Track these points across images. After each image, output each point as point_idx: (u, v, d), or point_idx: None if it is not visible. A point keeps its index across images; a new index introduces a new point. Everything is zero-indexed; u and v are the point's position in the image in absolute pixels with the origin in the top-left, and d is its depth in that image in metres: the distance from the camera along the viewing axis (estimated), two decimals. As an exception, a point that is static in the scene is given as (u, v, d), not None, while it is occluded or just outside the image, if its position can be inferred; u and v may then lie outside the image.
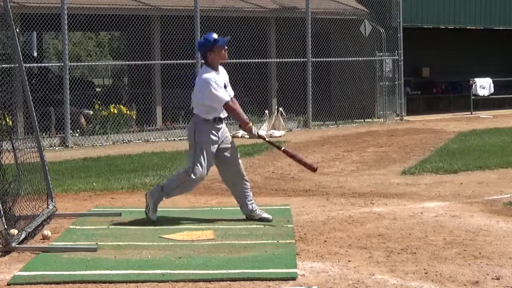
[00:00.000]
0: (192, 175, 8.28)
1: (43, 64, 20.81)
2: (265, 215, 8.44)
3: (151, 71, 19.24)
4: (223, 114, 8.36)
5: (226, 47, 8.34)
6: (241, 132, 18.39)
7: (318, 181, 11.46)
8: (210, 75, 8.23)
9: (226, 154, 8.40)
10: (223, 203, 9.55)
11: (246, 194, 8.48)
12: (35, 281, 6.13)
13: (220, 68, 8.42)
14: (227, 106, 8.25)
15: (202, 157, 8.26)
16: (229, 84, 8.46)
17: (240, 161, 8.55)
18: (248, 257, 6.81)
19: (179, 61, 18.24)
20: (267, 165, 13.26)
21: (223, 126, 8.39)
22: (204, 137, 8.24)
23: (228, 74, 8.54)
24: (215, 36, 8.28)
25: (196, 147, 8.26)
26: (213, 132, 8.28)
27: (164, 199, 8.47)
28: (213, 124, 8.29)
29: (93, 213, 8.99)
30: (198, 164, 8.26)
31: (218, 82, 8.23)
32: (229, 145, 8.44)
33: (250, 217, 8.44)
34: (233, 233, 7.81)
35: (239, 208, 8.58)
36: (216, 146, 8.31)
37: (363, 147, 15.79)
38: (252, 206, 8.46)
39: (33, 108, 8.81)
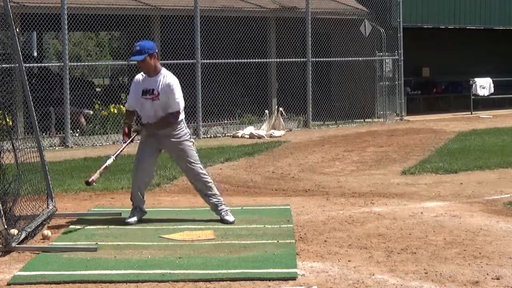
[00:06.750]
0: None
1: (43, 64, 20.79)
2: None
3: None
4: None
5: None
6: (240, 132, 18.40)
7: (318, 181, 11.46)
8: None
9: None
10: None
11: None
12: (35, 281, 6.14)
13: None
14: None
15: None
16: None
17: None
18: (248, 257, 6.81)
19: (179, 61, 18.23)
20: (267, 165, 13.25)
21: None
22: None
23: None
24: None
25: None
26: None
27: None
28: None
29: (93, 213, 8.99)
30: None
31: None
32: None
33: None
34: (233, 233, 7.81)
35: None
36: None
37: (363, 147, 15.78)
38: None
39: (33, 108, 8.80)
